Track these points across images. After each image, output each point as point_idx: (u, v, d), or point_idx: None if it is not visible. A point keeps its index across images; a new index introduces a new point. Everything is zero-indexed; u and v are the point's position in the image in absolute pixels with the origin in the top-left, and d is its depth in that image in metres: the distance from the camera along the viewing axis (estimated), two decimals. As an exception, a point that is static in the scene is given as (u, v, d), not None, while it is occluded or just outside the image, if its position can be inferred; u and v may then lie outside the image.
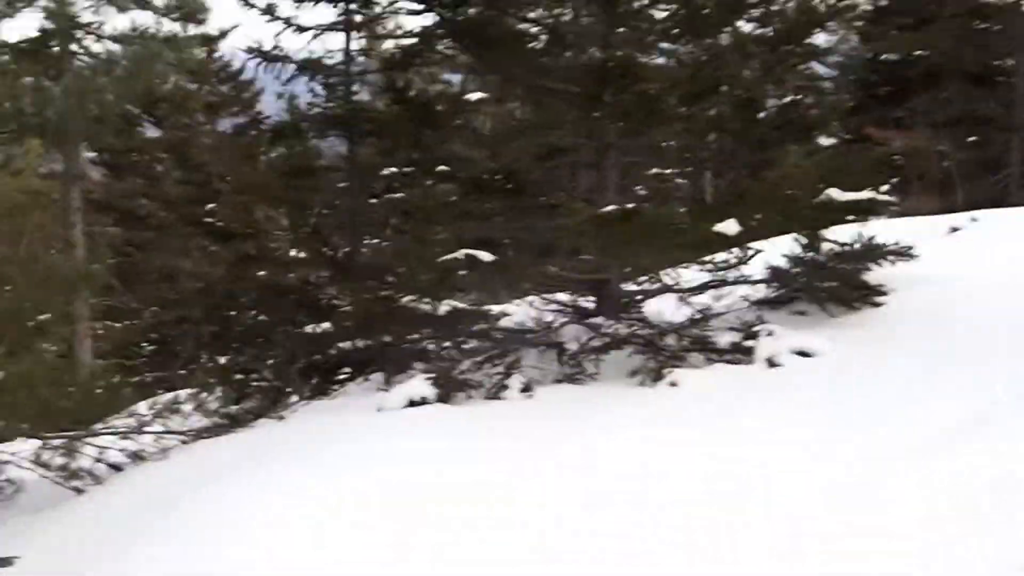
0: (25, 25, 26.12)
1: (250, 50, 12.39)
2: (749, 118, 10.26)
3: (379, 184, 12.50)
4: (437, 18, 9.81)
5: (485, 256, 8.80)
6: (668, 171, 11.61)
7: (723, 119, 10.27)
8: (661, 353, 9.30)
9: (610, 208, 8.63)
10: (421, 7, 9.75)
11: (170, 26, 21.45)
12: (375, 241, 13.28)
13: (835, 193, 9.79)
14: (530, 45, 10.38)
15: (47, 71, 19.76)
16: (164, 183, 25.40)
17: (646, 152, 10.52)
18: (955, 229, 14.65)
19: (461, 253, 8.79)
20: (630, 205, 8.64)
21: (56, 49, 20.94)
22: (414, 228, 10.48)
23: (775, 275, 10.35)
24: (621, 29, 9.82)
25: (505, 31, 9.90)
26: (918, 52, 32.17)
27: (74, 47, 20.78)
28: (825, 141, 10.66)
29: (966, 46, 33.09)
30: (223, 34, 23.77)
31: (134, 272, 23.53)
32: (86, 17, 21.31)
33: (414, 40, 11.34)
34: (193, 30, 22.28)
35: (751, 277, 10.41)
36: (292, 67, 12.59)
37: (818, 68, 30.43)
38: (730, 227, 9.06)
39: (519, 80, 10.32)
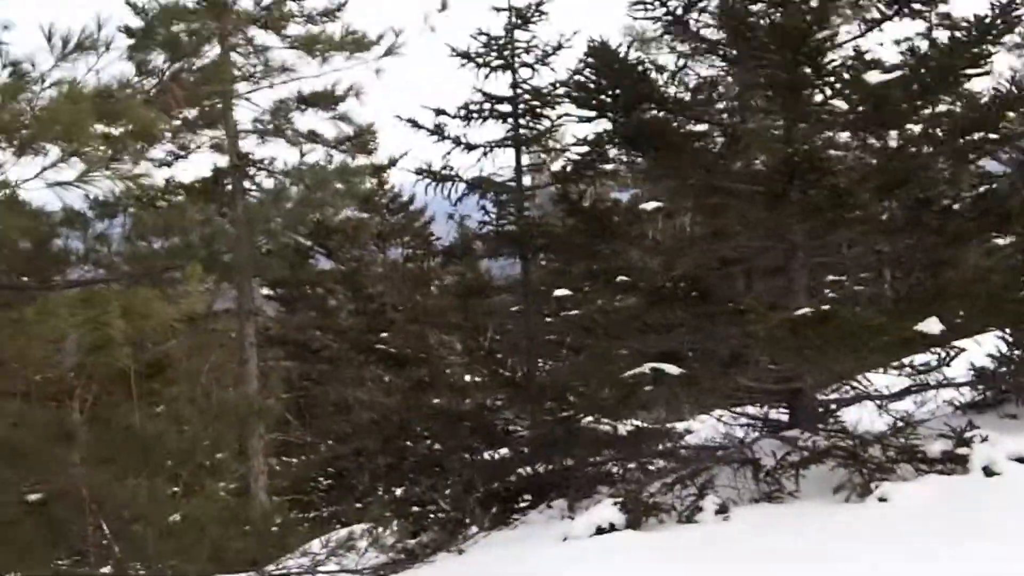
0: (199, 164, 26.88)
1: (419, 171, 12.28)
2: (943, 209, 9.64)
3: (553, 302, 12.12)
4: (609, 125, 9.47)
5: (672, 369, 8.28)
6: (860, 273, 10.92)
7: (915, 211, 9.64)
8: (866, 465, 8.57)
9: (804, 311, 8.05)
10: (592, 114, 9.42)
11: (340, 157, 21.75)
12: (552, 361, 12.88)
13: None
14: (707, 147, 9.97)
15: (220, 208, 20.14)
16: (337, 314, 25.55)
17: (833, 251, 9.90)
18: None
19: (647, 367, 8.29)
20: (825, 307, 8.05)
21: (228, 187, 21.38)
22: (594, 344, 10.01)
23: (981, 376, 9.61)
24: (803, 125, 9.33)
25: (680, 134, 9.49)
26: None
27: (246, 183, 21.17)
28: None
29: None
30: (392, 162, 24.03)
31: (309, 405, 23.60)
32: (258, 153, 21.78)
33: (586, 149, 11.01)
34: (363, 160, 22.56)
35: (954, 379, 9.67)
36: (462, 186, 12.42)
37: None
38: (932, 326, 8.42)
39: (697, 184, 9.86)
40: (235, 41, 21.30)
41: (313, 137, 22.35)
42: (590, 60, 9.26)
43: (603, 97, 9.20)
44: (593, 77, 9.37)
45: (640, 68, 9.29)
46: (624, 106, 9.23)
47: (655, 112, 9.58)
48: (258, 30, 21.36)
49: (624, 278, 9.01)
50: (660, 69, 9.51)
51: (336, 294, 25.76)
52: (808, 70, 8.74)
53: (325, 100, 22.11)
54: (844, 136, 10.31)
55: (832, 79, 8.91)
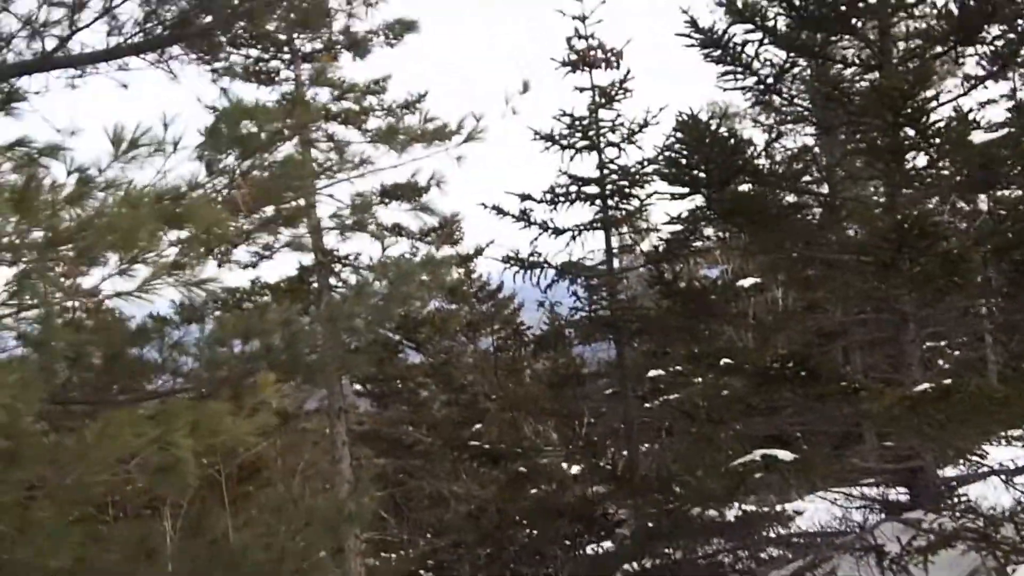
0: (285, 264, 26.87)
1: (506, 259, 11.95)
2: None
3: (647, 383, 11.68)
4: (702, 201, 9.09)
5: (785, 455, 7.79)
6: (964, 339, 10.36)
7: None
8: (1000, 547, 8.00)
9: (924, 387, 7.56)
10: (685, 191, 9.06)
11: (425, 248, 21.54)
12: (651, 445, 12.41)
13: None
14: (805, 218, 9.57)
15: (306, 307, 19.98)
16: (430, 407, 25.20)
17: (943, 320, 9.39)
18: None
19: (757, 455, 7.82)
20: (946, 381, 7.54)
21: (315, 285, 21.24)
22: (699, 429, 9.56)
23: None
24: (906, 191, 8.89)
25: (777, 206, 9.10)
26: None
27: (332, 280, 21.02)
28: None
29: None
30: (479, 251, 23.73)
31: (405, 501, 23.19)
32: (343, 249, 21.62)
33: (679, 228, 10.63)
34: (448, 250, 22.33)
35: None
36: (551, 272, 12.06)
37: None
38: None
39: (797, 256, 9.44)
40: (314, 136, 21.31)
41: (397, 230, 22.19)
42: (679, 135, 8.92)
43: (695, 172, 8.83)
44: (684, 152, 9.03)
45: (732, 141, 8.94)
46: (718, 180, 8.85)
47: (750, 185, 9.20)
48: (338, 126, 21.34)
49: (728, 360, 8.56)
50: (749, 143, 9.15)
51: (427, 387, 25.43)
52: (911, 132, 8.32)
53: (407, 192, 21.94)
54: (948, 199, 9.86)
55: (937, 140, 8.47)
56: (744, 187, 9.03)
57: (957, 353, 10.57)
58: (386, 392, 26.12)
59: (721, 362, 8.56)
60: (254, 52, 21.04)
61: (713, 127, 8.95)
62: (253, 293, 21.26)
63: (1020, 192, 9.21)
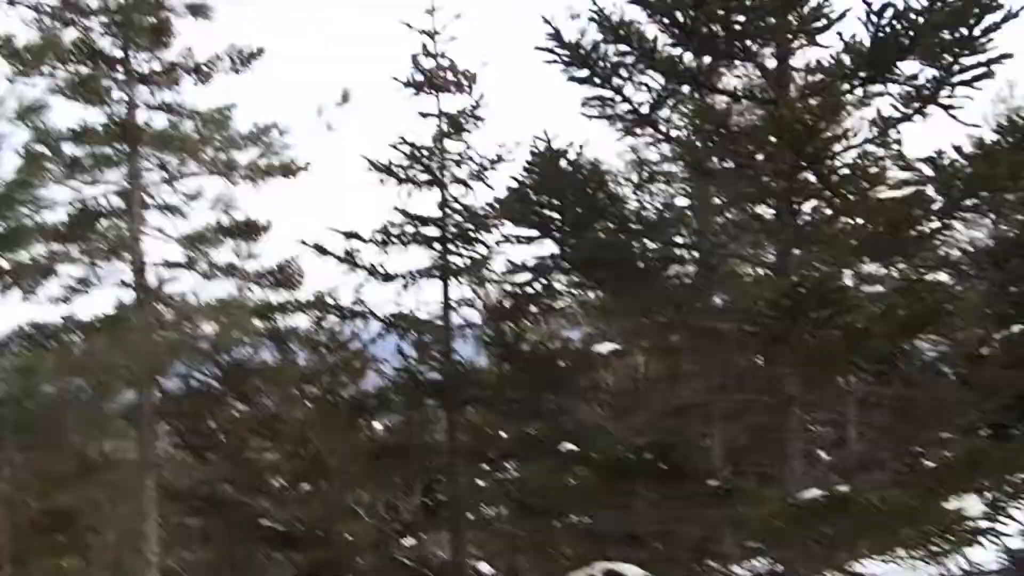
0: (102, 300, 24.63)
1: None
2: (972, 356, 7.76)
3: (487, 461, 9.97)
4: (555, 246, 7.45)
5: (633, 571, 6.13)
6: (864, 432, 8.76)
7: (942, 358, 7.74)
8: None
9: (814, 495, 5.99)
10: (533, 233, 7.43)
11: (260, 292, 19.64)
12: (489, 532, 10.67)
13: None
14: (678, 277, 8.00)
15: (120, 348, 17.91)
16: (255, 464, 23.04)
17: (831, 404, 7.89)
18: None
19: (599, 570, 6.14)
20: (843, 489, 6.00)
21: (133, 324, 19.13)
22: (533, 524, 7.90)
23: (1017, 561, 7.66)
24: (796, 251, 7.37)
25: (645, 259, 7.49)
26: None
27: (152, 319, 18.97)
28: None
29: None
30: (320, 297, 21.74)
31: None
32: (169, 288, 19.61)
33: (528, 277, 8.92)
34: (285, 295, 20.38)
35: (984, 567, 7.68)
36: (376, 324, 10.28)
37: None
38: (972, 507, 6.48)
39: (665, 322, 7.85)
40: (146, 165, 19.42)
41: (231, 270, 20.25)
42: (532, 167, 7.30)
43: (547, 212, 7.20)
44: (536, 188, 7.41)
45: (595, 178, 7.34)
46: (574, 224, 7.24)
47: (614, 233, 7.60)
48: (171, 155, 19.43)
49: (571, 447, 6.91)
50: (616, 182, 7.57)
51: (249, 442, 23.29)
52: (812, 177, 6.83)
53: (244, 229, 20.09)
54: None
55: (842, 190, 6.99)
56: (605, 235, 7.43)
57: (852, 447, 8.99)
58: (208, 446, 23.88)
59: (563, 447, 6.90)
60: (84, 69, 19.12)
61: (572, 159, 7.35)
62: (64, 331, 19.19)
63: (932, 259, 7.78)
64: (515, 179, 7.28)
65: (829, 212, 7.16)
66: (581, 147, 7.21)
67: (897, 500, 6.32)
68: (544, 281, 8.70)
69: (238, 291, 19.70)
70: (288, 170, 19.68)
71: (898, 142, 7.51)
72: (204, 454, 24.05)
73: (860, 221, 7.40)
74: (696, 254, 8.03)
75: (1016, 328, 8.14)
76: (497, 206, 9.71)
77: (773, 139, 6.64)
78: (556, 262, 7.66)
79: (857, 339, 6.36)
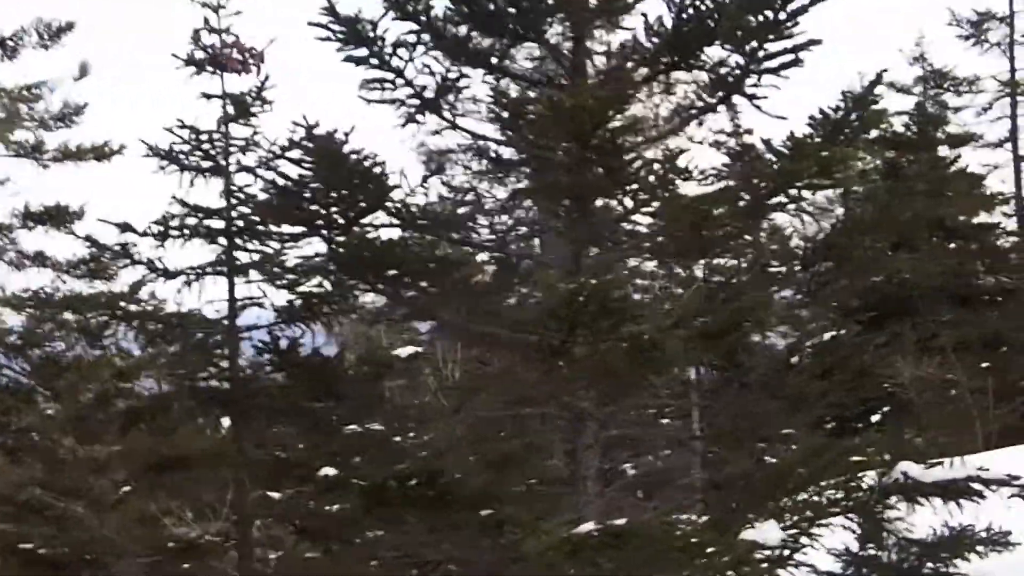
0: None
1: (93, 305, 9.23)
2: (781, 366, 7.25)
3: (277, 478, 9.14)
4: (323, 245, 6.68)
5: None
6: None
7: (743, 369, 7.18)
8: None
9: (589, 528, 5.34)
10: (299, 230, 6.65)
11: (73, 284, 18.51)
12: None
13: (911, 467, 6.79)
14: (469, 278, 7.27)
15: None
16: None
17: (633, 423, 7.27)
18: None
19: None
20: (619, 522, 5.36)
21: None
22: (313, 547, 7.15)
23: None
24: (595, 251, 6.73)
25: (428, 259, 6.75)
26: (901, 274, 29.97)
27: (-53, 310, 17.78)
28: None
29: (960, 266, 31.19)
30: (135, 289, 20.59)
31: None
32: (-30, 278, 18.37)
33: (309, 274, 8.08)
34: (102, 286, 19.27)
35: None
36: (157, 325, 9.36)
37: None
38: (769, 534, 5.96)
39: (453, 329, 7.15)
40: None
41: (41, 259, 19.09)
42: (306, 155, 6.51)
43: (315, 207, 6.43)
44: (308, 178, 6.63)
45: (369, 165, 6.57)
46: (346, 219, 6.47)
47: (396, 228, 6.86)
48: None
49: (330, 471, 6.17)
50: (399, 174, 6.79)
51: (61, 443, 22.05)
52: (601, 171, 6.18)
53: (56, 216, 18.92)
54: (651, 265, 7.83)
55: (636, 187, 6.36)
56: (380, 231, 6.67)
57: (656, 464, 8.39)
58: (19, 446, 22.55)
59: (324, 473, 6.16)
60: None
61: (351, 147, 6.57)
62: None
63: (735, 261, 7.23)
64: (276, 170, 6.50)
65: (623, 209, 6.52)
66: (347, 132, 6.39)
67: (684, 532, 5.74)
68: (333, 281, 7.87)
69: (49, 282, 18.62)
70: (101, 153, 18.65)
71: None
72: (17, 454, 22.80)
73: (659, 219, 6.81)
74: (491, 254, 7.37)
75: (827, 336, 7.68)
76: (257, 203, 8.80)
77: (558, 126, 5.96)
78: (323, 262, 6.87)
79: (643, 351, 5.72)
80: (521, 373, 6.53)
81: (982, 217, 33.56)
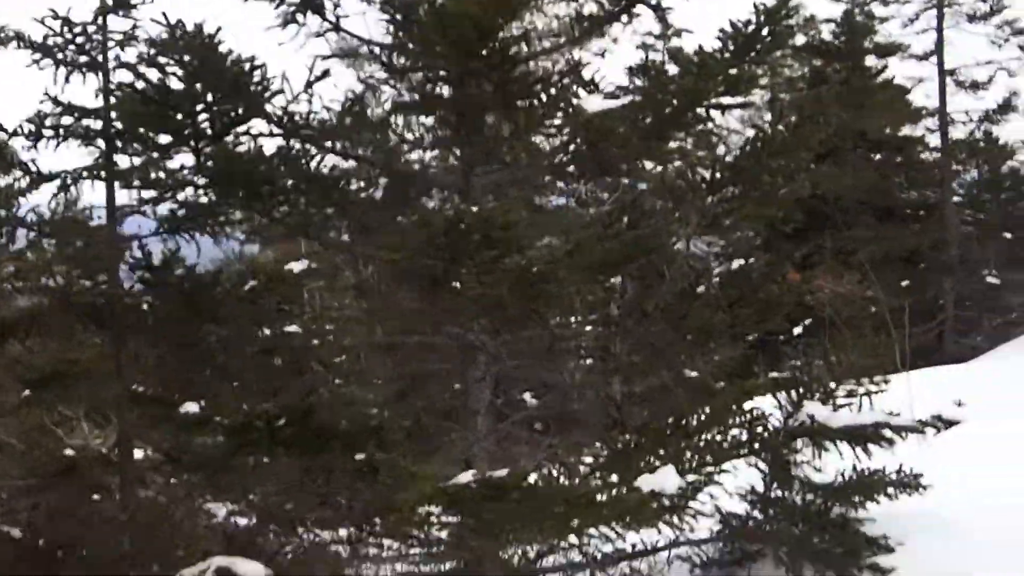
0: None
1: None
2: (683, 292, 6.86)
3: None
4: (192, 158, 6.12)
5: (251, 569, 4.98)
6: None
7: (647, 296, 6.79)
8: None
9: (467, 479, 4.94)
10: (167, 140, 6.10)
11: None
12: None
13: (818, 410, 6.50)
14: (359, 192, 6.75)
15: None
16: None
17: (534, 354, 6.85)
18: (944, 423, 11.20)
19: (213, 567, 4.98)
20: (500, 473, 4.95)
21: None
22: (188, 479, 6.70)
23: (728, 526, 6.87)
24: (485, 168, 6.25)
25: (305, 174, 6.22)
26: (823, 185, 29.81)
27: None
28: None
29: (882, 180, 31.12)
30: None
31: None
32: None
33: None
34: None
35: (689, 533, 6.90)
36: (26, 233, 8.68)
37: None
38: (667, 480, 5.63)
39: (335, 250, 6.66)
40: None
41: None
42: (165, 54, 5.93)
43: (177, 115, 5.86)
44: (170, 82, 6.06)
45: (247, 68, 6.01)
46: (214, 128, 5.92)
47: (274, 137, 6.33)
48: None
49: (193, 408, 5.70)
50: (280, 77, 6.23)
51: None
52: (490, 87, 5.68)
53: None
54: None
55: (530, 101, 5.88)
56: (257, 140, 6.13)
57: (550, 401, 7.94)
58: None
59: (185, 411, 5.68)
60: None
61: (220, 43, 6.00)
62: None
63: (639, 184, 6.80)
64: (135, 71, 5.91)
65: (516, 126, 6.04)
66: (216, 30, 5.81)
67: (565, 488, 5.37)
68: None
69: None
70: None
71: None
72: None
73: (556, 138, 6.36)
74: (378, 169, 6.84)
75: (735, 264, 7.29)
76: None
77: (440, 36, 5.45)
78: (185, 178, 6.32)
79: (532, 283, 5.30)
80: (405, 301, 6.06)
81: (906, 130, 33.43)
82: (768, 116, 30.09)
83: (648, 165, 7.05)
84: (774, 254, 31.55)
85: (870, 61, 33.41)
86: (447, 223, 4.96)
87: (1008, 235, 31.99)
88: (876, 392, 6.74)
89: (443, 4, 5.46)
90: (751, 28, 6.27)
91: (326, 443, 5.41)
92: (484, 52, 5.42)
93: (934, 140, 32.68)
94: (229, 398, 6.00)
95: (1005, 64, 30.60)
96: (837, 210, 30.66)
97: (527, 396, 7.84)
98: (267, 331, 7.09)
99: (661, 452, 6.22)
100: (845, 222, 31.10)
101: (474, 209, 4.94)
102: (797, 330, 28.29)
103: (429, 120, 6.83)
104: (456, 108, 5.85)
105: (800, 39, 35.50)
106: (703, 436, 6.28)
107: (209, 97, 5.92)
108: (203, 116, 5.89)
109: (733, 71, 6.13)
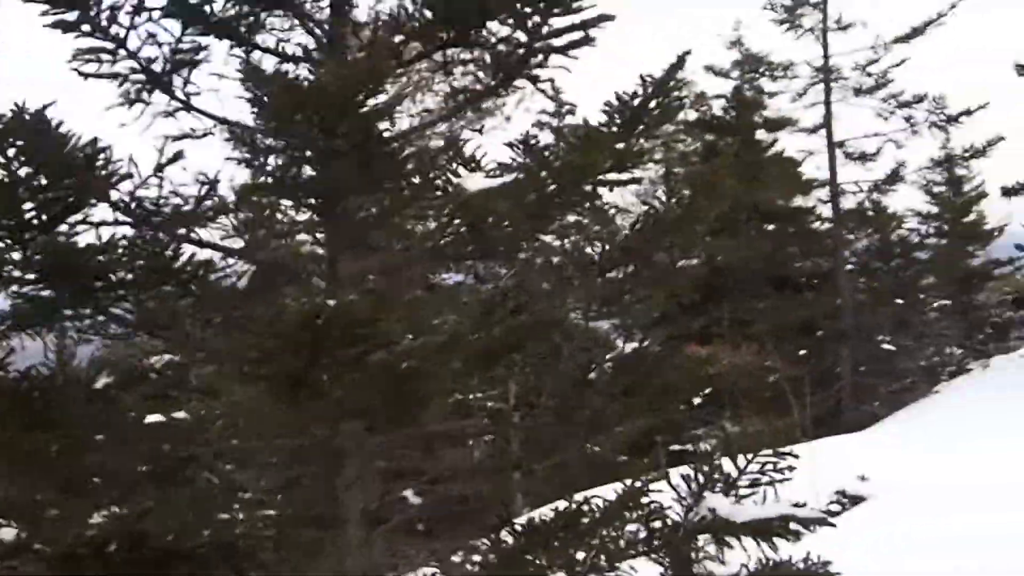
0: None
1: None
2: (580, 382, 6.38)
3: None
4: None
5: None
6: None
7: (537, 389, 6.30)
8: None
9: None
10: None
11: None
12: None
13: (720, 503, 6.06)
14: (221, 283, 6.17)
15: None
16: None
17: (414, 453, 6.29)
18: (849, 499, 10.87)
19: None
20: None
21: None
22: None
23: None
24: (345, 258, 5.71)
25: (155, 265, 5.63)
26: (720, 258, 29.90)
27: None
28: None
29: (777, 250, 31.30)
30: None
31: None
32: None
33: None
34: None
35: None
36: None
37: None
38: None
39: (188, 347, 6.04)
40: None
41: None
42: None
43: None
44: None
45: (91, 152, 5.42)
46: (42, 217, 5.31)
47: (121, 225, 5.73)
48: None
49: (9, 533, 5.04)
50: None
51: None
52: (354, 166, 5.16)
53: None
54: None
55: (399, 182, 5.38)
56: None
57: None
58: None
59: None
60: None
61: (62, 130, 5.40)
62: None
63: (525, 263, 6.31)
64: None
65: (383, 209, 5.52)
66: (45, 106, 5.21)
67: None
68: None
69: None
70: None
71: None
72: None
73: (433, 220, 5.86)
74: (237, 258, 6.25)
75: (629, 347, 6.85)
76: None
77: (292, 106, 4.92)
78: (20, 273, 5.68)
79: (403, 381, 4.75)
80: (265, 403, 5.46)
81: (798, 201, 33.78)
82: (662, 192, 30.22)
83: (547, 239, 6.59)
84: (672, 327, 31.49)
85: (761, 135, 33.77)
86: (303, 319, 4.40)
87: (899, 301, 32.31)
88: (781, 480, 6.25)
89: (297, 78, 4.95)
90: (638, 101, 5.86)
91: (168, 567, 4.78)
92: (344, 129, 4.90)
93: (826, 211, 33.04)
94: (68, 515, 5.31)
95: (892, 136, 31.11)
96: (734, 281, 30.72)
97: (411, 495, 7.22)
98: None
99: (555, 552, 5.70)
100: (742, 293, 31.16)
101: (331, 302, 4.38)
102: (697, 401, 28.16)
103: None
104: (317, 190, 5.31)
105: (692, 115, 35.81)
106: (597, 534, 5.77)
107: (39, 185, 5.29)
108: (29, 205, 5.25)
109: (620, 145, 5.69)
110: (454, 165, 6.02)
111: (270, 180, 5.44)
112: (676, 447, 23.25)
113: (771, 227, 32.81)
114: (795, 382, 25.85)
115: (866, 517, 9.73)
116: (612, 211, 6.48)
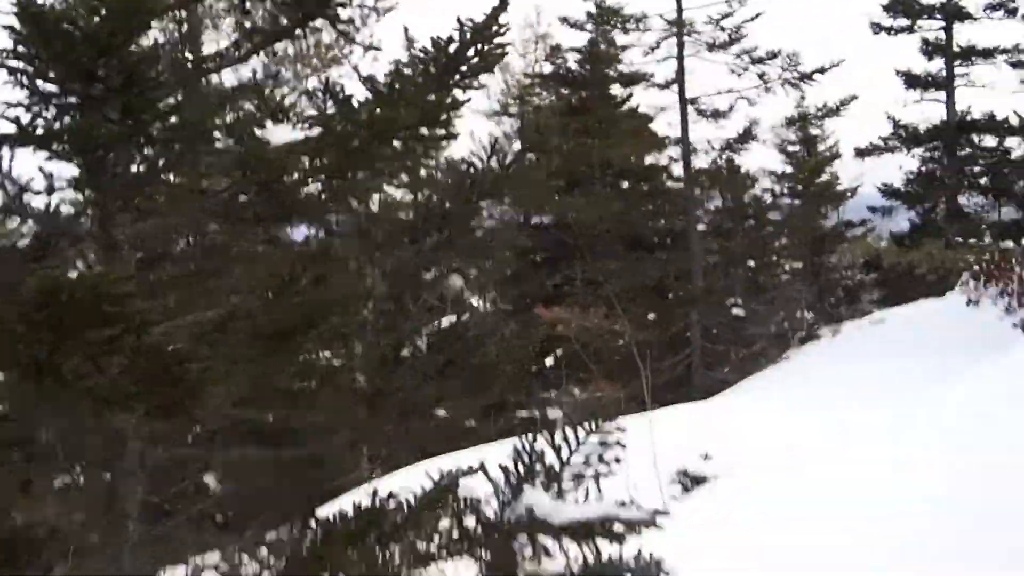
0: None
1: None
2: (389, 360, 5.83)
3: None
4: None
5: None
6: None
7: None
8: None
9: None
10: None
11: None
12: None
13: (539, 502, 5.53)
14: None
15: None
16: None
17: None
18: (692, 480, 10.49)
19: None
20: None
21: None
22: None
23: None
24: (121, 220, 5.02)
25: None
26: (573, 215, 29.52)
27: None
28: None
29: (629, 209, 31.02)
30: None
31: None
32: None
33: None
34: None
35: None
36: None
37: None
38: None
39: None
40: None
41: None
42: None
43: None
44: None
45: None
46: None
47: None
48: None
49: None
50: None
51: None
52: (115, 115, 4.47)
53: None
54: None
55: (169, 134, 4.70)
56: None
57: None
58: None
59: None
60: None
61: None
62: None
63: (324, 233, 5.69)
64: None
65: (152, 165, 4.83)
66: None
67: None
68: None
69: None
70: None
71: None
72: None
73: (222, 178, 5.19)
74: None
75: (446, 321, 6.28)
76: None
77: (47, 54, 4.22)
78: None
79: (165, 368, 4.09)
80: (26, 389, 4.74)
81: (651, 159, 33.49)
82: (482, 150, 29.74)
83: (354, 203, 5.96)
84: (526, 285, 31.05)
85: (616, 89, 33.34)
86: (42, 291, 3.71)
87: (752, 263, 32.35)
88: (607, 473, 5.72)
89: (45, 12, 4.22)
90: (454, 47, 5.26)
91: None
92: (103, 71, 4.21)
93: (678, 169, 32.80)
94: None
95: (745, 93, 30.89)
96: (585, 240, 30.36)
97: (212, 483, 6.55)
98: None
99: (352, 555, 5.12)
100: (594, 252, 30.84)
101: (72, 275, 3.71)
102: (549, 361, 27.81)
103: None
104: (78, 142, 4.61)
105: (548, 67, 35.29)
106: (403, 535, 5.21)
107: None
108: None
109: (431, 97, 5.09)
110: (259, 116, 5.39)
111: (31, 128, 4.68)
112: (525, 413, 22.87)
113: (624, 185, 32.51)
114: (645, 346, 25.66)
115: (708, 497, 9.37)
116: (428, 172, 5.87)
